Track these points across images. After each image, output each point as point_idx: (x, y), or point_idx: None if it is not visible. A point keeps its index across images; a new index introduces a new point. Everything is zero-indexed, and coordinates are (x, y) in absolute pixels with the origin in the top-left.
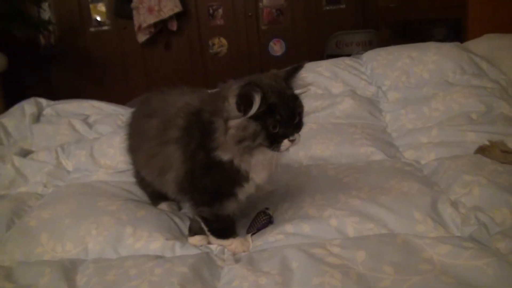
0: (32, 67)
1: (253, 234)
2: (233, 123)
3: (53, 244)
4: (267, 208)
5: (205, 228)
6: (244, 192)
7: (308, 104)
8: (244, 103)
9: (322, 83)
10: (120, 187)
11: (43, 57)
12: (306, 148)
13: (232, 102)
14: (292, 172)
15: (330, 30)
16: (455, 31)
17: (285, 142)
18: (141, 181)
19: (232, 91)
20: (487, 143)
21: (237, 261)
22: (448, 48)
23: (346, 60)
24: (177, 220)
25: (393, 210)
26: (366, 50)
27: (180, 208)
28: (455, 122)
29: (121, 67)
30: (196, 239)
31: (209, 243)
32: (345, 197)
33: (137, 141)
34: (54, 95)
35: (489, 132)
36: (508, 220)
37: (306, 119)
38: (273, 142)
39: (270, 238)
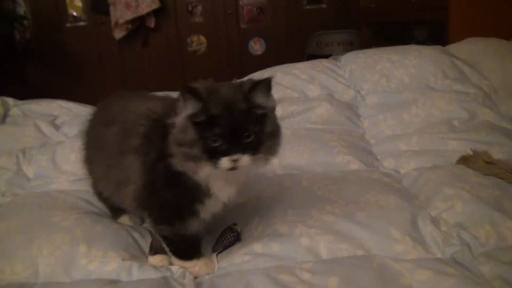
0: (6, 62)
1: (219, 252)
2: (176, 120)
3: (1, 265)
4: (234, 224)
5: (167, 249)
6: (207, 210)
7: (283, 108)
8: (183, 92)
9: (298, 86)
10: (80, 197)
11: (18, 53)
12: (280, 156)
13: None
14: (264, 182)
15: (311, 29)
16: (436, 33)
17: (225, 161)
18: (100, 194)
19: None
20: (470, 152)
21: (198, 286)
22: (430, 51)
23: (324, 62)
24: (137, 235)
25: (369, 227)
26: (347, 50)
27: (143, 221)
28: (436, 129)
29: (98, 63)
30: (157, 259)
31: (170, 264)
32: (318, 213)
33: (94, 151)
34: (29, 91)
35: (472, 140)
36: (492, 239)
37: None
38: (212, 157)
39: (237, 258)
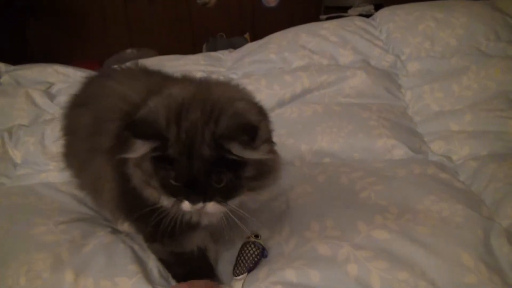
0: (4, 19)
1: (239, 270)
2: (133, 142)
3: None
4: (256, 236)
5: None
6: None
7: (310, 78)
8: (133, 133)
9: (327, 51)
10: (71, 193)
11: (17, 9)
12: (309, 140)
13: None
14: (293, 176)
15: None
16: None
17: (186, 204)
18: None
19: (144, 108)
20: None
21: None
22: (479, 8)
23: (356, 21)
24: (137, 247)
25: (433, 250)
26: (367, 1)
27: None
28: (493, 105)
29: (102, 21)
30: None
31: None
32: (366, 227)
33: (70, 138)
34: (28, 50)
35: None
36: None
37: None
38: (173, 195)
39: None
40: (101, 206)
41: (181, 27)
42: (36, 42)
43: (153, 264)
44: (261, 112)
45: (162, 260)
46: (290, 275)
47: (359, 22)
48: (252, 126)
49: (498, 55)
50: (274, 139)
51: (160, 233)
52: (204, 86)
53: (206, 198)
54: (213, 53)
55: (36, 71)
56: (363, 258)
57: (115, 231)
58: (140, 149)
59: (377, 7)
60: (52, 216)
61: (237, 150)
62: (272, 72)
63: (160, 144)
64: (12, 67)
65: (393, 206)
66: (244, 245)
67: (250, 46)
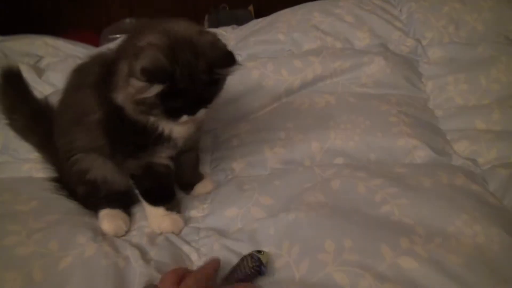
0: None
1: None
2: (134, 83)
3: None
4: (259, 251)
5: (138, 192)
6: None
7: (322, 64)
8: (149, 78)
9: (342, 33)
10: (51, 190)
11: None
12: (321, 136)
13: (138, 66)
14: (302, 179)
15: None
16: None
17: (184, 117)
18: (66, 178)
19: (144, 55)
20: None
21: None
22: None
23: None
24: (122, 264)
25: (467, 284)
26: None
27: (128, 226)
28: None
29: None
30: None
31: None
32: (392, 252)
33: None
34: (24, 17)
35: None
36: None
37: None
38: (171, 115)
39: None
40: (86, 134)
41: None
42: (30, 9)
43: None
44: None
45: (134, 177)
46: None
47: (378, 0)
48: (231, 53)
49: None
50: (281, 134)
51: (136, 148)
52: (169, 30)
53: (202, 107)
54: (216, 30)
55: (25, 43)
56: None
57: (96, 236)
58: (154, 90)
59: None
60: (27, 221)
61: (226, 72)
62: (280, 55)
63: (168, 84)
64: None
65: (420, 226)
66: (242, 258)
67: (256, 23)
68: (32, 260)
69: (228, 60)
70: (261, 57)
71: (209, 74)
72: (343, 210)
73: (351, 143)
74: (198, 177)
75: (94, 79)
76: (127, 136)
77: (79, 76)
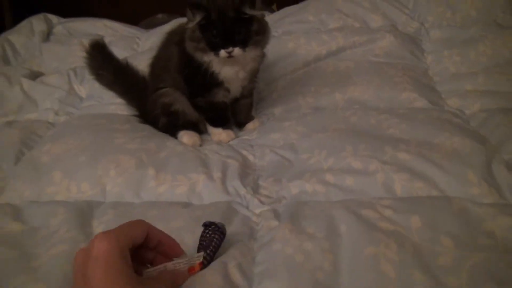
0: None
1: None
2: (188, 25)
3: (67, 183)
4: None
5: (203, 117)
6: (221, 87)
7: (344, 38)
8: (191, 8)
9: (360, 16)
10: (137, 121)
11: None
12: (342, 90)
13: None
14: (328, 117)
15: None
16: None
17: (222, 52)
18: (147, 113)
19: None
20: None
21: (276, 215)
22: None
23: None
24: (203, 156)
25: (445, 169)
26: None
27: (200, 140)
28: (504, 70)
29: None
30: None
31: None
32: (392, 150)
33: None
34: (62, 9)
35: None
36: None
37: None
38: (212, 48)
39: (308, 186)
40: (168, 76)
41: None
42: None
43: (216, 168)
44: None
45: (201, 108)
46: (329, 178)
47: None
48: None
49: None
50: (311, 88)
51: (200, 89)
52: None
53: (234, 44)
54: None
55: (87, 24)
56: (389, 170)
57: (181, 144)
58: (195, 18)
59: None
60: (126, 133)
61: (248, 10)
62: (310, 31)
63: (205, 15)
64: (63, 19)
65: (414, 139)
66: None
67: (289, 8)
68: (139, 151)
69: (249, 1)
70: (295, 33)
71: (236, 12)
72: (358, 131)
73: (365, 95)
74: (249, 118)
75: (178, 38)
76: (194, 79)
77: (169, 36)
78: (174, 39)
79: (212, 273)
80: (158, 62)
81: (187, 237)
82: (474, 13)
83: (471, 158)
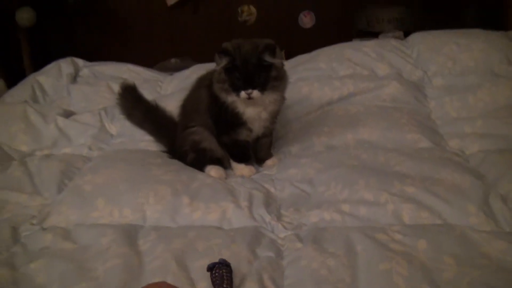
0: (57, 23)
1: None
2: (216, 68)
3: (110, 209)
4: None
5: (227, 153)
6: (244, 127)
7: (354, 84)
8: (219, 53)
9: (368, 64)
10: (167, 156)
11: (67, 14)
12: (353, 131)
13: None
14: (341, 154)
15: (361, 4)
16: (487, 13)
17: (243, 93)
18: (176, 150)
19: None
20: None
21: (299, 239)
22: (495, 37)
23: (392, 42)
24: (230, 187)
25: (447, 201)
26: (397, 28)
27: (225, 174)
28: (500, 114)
29: (147, 28)
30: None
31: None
32: (400, 184)
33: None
34: (78, 54)
35: None
36: None
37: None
38: (234, 89)
39: (326, 215)
40: (197, 115)
41: (222, 39)
42: (84, 46)
43: (243, 198)
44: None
45: (226, 146)
46: (345, 207)
47: (395, 42)
48: (273, 45)
49: (508, 77)
50: (325, 129)
51: (226, 127)
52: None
53: (253, 87)
54: None
55: (111, 68)
56: (398, 201)
57: (210, 177)
58: (222, 62)
59: (406, 34)
60: (161, 166)
61: (268, 58)
62: (322, 78)
63: (230, 59)
64: (89, 63)
65: (419, 175)
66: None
67: (301, 57)
68: (174, 182)
69: (269, 48)
70: (308, 79)
71: (258, 59)
72: (369, 167)
73: (374, 136)
74: (269, 155)
75: (208, 82)
76: (221, 118)
77: (200, 81)
78: (204, 83)
79: (251, 285)
80: (189, 103)
81: (224, 252)
82: (473, 63)
83: (471, 192)
